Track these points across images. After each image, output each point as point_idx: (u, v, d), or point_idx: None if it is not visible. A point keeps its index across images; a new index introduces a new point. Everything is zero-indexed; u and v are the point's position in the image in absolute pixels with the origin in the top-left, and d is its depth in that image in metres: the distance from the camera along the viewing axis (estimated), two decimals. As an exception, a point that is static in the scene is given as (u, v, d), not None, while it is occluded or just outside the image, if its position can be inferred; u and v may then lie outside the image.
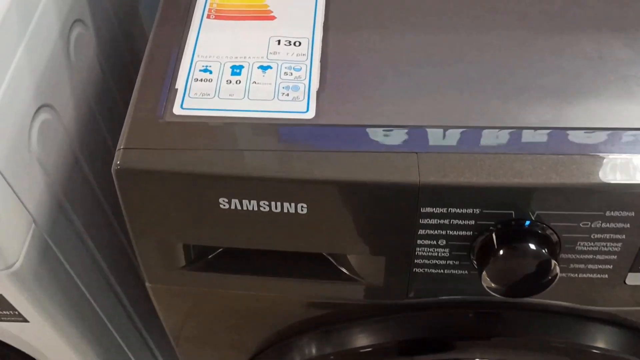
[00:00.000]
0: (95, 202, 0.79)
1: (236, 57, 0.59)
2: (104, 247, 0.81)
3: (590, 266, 0.54)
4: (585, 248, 0.53)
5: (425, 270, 0.55)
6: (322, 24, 0.61)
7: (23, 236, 0.63)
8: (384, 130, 0.53)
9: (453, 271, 0.55)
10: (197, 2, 0.64)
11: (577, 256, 0.54)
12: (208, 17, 0.62)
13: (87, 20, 0.76)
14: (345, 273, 0.59)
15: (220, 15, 0.62)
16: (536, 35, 0.59)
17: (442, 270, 0.55)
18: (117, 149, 0.52)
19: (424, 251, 0.54)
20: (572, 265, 0.55)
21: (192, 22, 0.62)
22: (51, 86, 0.67)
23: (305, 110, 0.55)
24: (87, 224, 0.76)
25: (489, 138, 0.52)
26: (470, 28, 0.61)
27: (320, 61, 0.58)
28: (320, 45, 0.60)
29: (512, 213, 0.51)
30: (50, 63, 0.67)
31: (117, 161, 0.51)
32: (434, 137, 0.52)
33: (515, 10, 0.62)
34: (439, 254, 0.54)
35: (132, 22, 0.94)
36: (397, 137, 0.52)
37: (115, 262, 0.85)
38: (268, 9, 0.63)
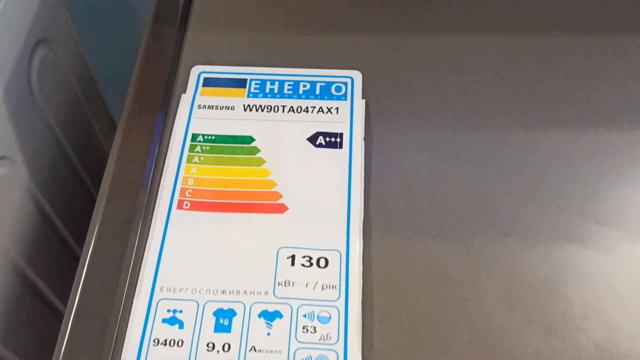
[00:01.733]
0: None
1: (224, 292, 0.36)
2: None
3: None
4: None
5: None
6: (361, 224, 0.38)
7: None
8: None
9: None
10: (165, 175, 0.41)
11: None
12: (180, 206, 0.39)
13: (14, 154, 0.53)
14: None
15: (198, 202, 0.39)
16: None
17: None
18: None
19: None
20: None
21: (154, 216, 0.39)
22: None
23: (339, 414, 0.33)
24: None
25: None
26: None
27: (363, 302, 0.36)
28: (360, 265, 0.37)
29: None
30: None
31: None
32: None
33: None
34: None
35: (89, 118, 0.70)
36: None
37: None
38: (275, 189, 0.40)
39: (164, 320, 0.35)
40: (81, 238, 0.41)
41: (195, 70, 0.46)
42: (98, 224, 0.38)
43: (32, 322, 0.58)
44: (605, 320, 0.35)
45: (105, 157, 0.72)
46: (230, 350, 0.34)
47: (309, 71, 0.46)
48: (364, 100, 0.44)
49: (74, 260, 0.67)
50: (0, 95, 0.51)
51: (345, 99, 0.44)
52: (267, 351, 0.34)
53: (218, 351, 0.34)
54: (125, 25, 0.75)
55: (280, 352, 0.34)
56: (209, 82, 0.45)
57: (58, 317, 0.62)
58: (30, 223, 0.57)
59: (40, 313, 0.60)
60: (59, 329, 0.36)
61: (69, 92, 0.64)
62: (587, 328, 0.35)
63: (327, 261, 0.37)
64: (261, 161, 0.41)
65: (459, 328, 0.35)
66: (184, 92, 0.44)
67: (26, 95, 0.55)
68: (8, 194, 0.53)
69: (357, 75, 0.45)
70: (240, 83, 0.45)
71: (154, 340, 0.34)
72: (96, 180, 0.70)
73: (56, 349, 0.34)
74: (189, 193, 0.40)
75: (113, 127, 0.74)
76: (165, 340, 0.34)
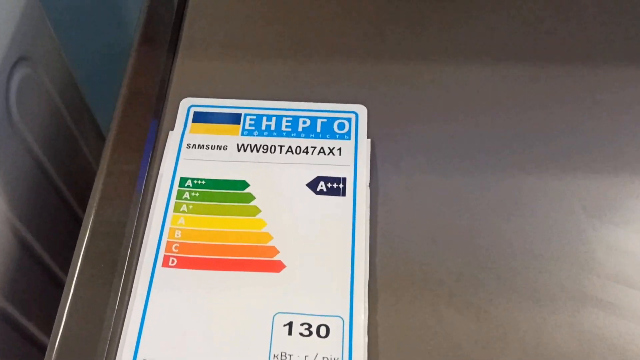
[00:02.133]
0: None
1: (213, 365, 0.32)
2: None
3: None
4: None
5: None
6: (366, 286, 0.35)
7: None
8: None
9: None
10: (150, 226, 0.37)
11: None
12: (165, 263, 0.36)
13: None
14: None
15: (185, 258, 0.36)
16: None
17: None
18: None
19: None
20: None
21: (137, 275, 0.35)
22: None
23: None
24: None
25: None
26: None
27: (367, 379, 0.32)
28: (365, 335, 0.33)
29: None
30: None
31: None
32: None
33: None
34: None
35: (71, 130, 0.66)
36: None
37: None
38: (271, 243, 0.36)
39: (145, 401, 0.31)
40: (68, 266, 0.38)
41: (185, 103, 0.42)
42: (73, 286, 0.34)
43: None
44: (639, 402, 0.31)
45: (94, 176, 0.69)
46: None
47: (309, 105, 0.42)
48: (369, 140, 0.40)
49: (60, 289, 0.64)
50: (-25, 120, 0.47)
51: (349, 138, 0.40)
52: None
53: None
54: (116, 40, 0.72)
55: None
56: (199, 117, 0.41)
57: (42, 352, 0.59)
58: (10, 257, 0.53)
59: (24, 349, 0.56)
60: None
61: (52, 112, 0.60)
62: (619, 413, 0.31)
63: (327, 329, 0.33)
64: (256, 210, 0.37)
65: (475, 410, 0.31)
66: (172, 129, 0.40)
67: (3, 117, 0.51)
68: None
69: (361, 110, 0.41)
70: (234, 118, 0.41)
71: None
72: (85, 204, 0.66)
73: None
74: (176, 247, 0.36)
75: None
76: None
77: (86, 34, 0.70)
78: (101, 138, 0.71)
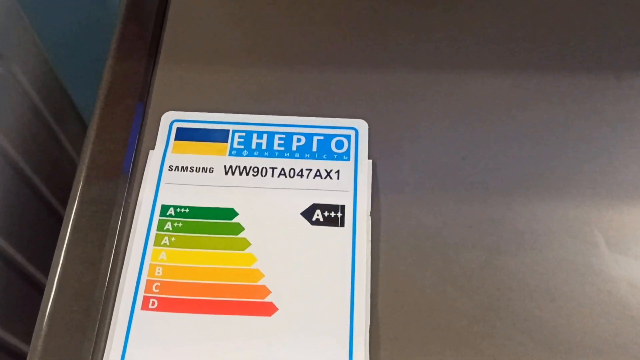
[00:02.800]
0: None
1: None
2: None
3: None
4: None
5: None
6: (367, 332, 0.31)
7: None
8: None
9: None
10: (127, 263, 0.33)
11: None
12: (145, 305, 0.32)
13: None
14: None
15: (167, 300, 0.32)
16: None
17: None
18: None
19: None
20: None
21: (114, 320, 0.32)
22: None
23: None
24: None
25: None
26: None
27: None
28: (366, 389, 0.30)
29: None
30: None
31: None
32: None
33: None
34: None
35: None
36: None
37: None
38: (261, 282, 0.33)
39: None
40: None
41: (167, 118, 0.38)
42: (43, 332, 0.31)
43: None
44: None
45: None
46: None
47: (304, 120, 0.38)
48: (370, 161, 0.36)
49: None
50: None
51: (348, 159, 0.36)
52: None
53: None
54: (98, 19, 0.67)
55: None
56: (183, 135, 0.37)
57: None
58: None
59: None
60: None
61: (31, 112, 0.56)
62: None
63: (325, 382, 0.30)
64: (245, 244, 0.34)
65: None
66: (152, 148, 0.37)
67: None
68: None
69: (362, 126, 0.38)
70: (222, 136, 0.37)
71: None
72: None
73: None
74: (157, 287, 0.32)
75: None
76: None
77: (63, 14, 0.65)
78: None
